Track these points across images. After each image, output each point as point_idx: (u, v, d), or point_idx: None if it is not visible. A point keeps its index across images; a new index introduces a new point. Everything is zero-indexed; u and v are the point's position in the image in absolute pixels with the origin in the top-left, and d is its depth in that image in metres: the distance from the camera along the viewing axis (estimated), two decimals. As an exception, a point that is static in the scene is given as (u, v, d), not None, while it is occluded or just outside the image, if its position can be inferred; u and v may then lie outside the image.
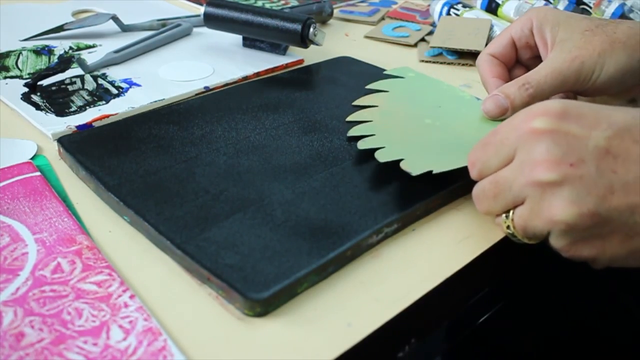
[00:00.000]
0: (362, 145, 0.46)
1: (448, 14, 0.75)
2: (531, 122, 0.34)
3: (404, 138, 0.47)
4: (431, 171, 0.41)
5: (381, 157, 0.43)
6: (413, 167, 0.41)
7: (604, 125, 0.34)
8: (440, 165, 0.42)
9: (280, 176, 0.43)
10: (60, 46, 0.65)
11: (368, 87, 0.55)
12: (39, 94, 0.55)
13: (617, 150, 0.33)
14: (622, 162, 0.33)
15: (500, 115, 0.47)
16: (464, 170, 0.44)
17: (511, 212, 0.36)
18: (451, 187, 0.42)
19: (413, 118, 0.51)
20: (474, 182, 0.42)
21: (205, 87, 0.57)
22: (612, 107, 0.35)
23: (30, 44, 0.66)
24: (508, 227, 0.37)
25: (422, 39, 0.73)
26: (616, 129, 0.33)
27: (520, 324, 0.61)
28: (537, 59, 0.51)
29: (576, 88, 0.47)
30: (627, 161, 0.33)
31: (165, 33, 0.67)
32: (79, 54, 0.63)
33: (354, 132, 0.48)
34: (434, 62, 0.67)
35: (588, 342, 0.57)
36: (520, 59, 0.53)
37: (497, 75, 0.51)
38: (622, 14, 0.71)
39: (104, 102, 0.54)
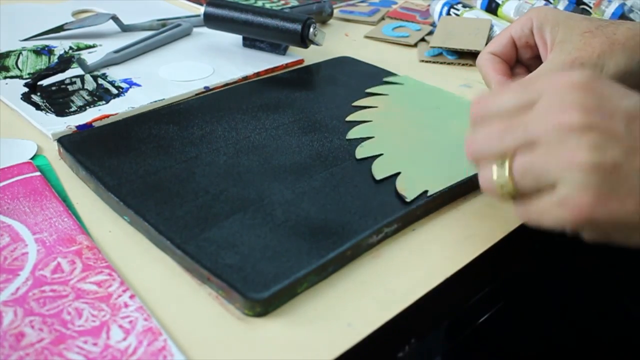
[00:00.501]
0: (360, 153, 0.46)
1: (448, 14, 0.75)
2: (565, 75, 0.33)
3: (402, 141, 0.47)
4: (426, 191, 0.41)
5: (378, 172, 0.43)
6: (408, 188, 0.41)
7: (635, 98, 0.33)
8: (436, 182, 0.42)
9: (280, 176, 0.43)
10: (60, 46, 0.65)
11: (368, 91, 0.56)
12: (39, 94, 0.55)
13: None
14: None
15: None
16: (462, 172, 0.44)
17: (507, 160, 0.33)
18: (451, 187, 0.42)
19: (412, 119, 0.51)
20: (473, 183, 0.42)
21: (205, 87, 0.57)
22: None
23: (30, 44, 0.66)
24: (499, 176, 0.33)
25: (422, 39, 0.73)
26: None
27: (520, 323, 0.61)
28: (537, 59, 0.51)
29: None
30: None
31: (165, 33, 0.67)
32: (79, 54, 0.63)
33: (353, 134, 0.48)
34: (434, 62, 0.67)
35: (588, 342, 0.57)
36: (520, 59, 0.53)
37: (501, 72, 0.51)
38: (622, 14, 0.71)
39: (104, 102, 0.54)
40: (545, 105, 0.32)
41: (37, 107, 0.52)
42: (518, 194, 0.33)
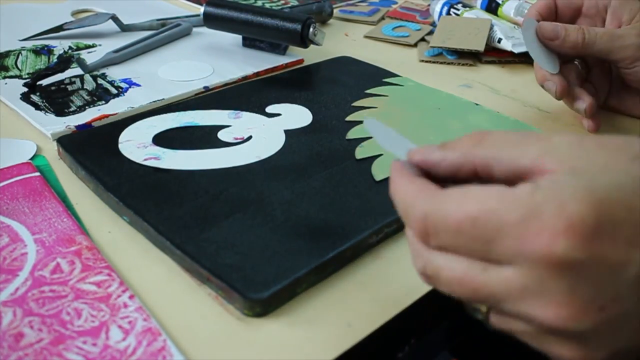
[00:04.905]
0: (360, 153, 0.46)
1: (448, 13, 0.75)
2: (552, 243, 0.24)
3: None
4: None
5: (378, 173, 0.43)
6: None
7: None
8: None
9: (280, 176, 0.43)
10: (60, 46, 0.65)
11: (368, 91, 0.56)
12: (38, 93, 0.55)
13: None
14: None
15: (553, 37, 0.50)
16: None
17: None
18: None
19: (412, 119, 0.51)
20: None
21: (204, 87, 0.57)
22: None
23: (29, 44, 0.66)
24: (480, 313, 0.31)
25: (422, 39, 0.73)
26: None
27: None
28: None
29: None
30: None
31: (165, 33, 0.67)
32: (78, 54, 0.63)
33: (353, 134, 0.48)
34: (434, 62, 0.67)
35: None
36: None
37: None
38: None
39: (103, 102, 0.54)
40: (519, 285, 0.25)
41: (37, 107, 0.52)
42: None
